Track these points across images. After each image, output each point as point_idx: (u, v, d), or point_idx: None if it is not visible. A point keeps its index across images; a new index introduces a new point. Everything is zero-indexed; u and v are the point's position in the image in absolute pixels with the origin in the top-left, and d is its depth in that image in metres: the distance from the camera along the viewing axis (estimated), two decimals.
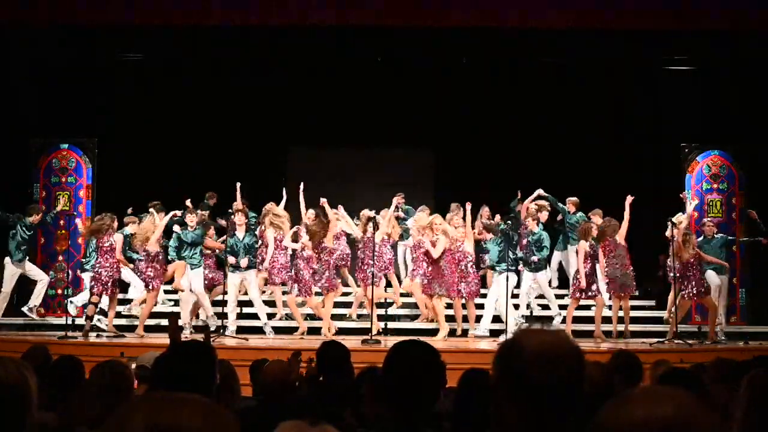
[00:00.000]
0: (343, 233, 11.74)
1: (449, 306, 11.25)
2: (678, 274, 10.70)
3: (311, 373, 4.69)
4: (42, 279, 11.59)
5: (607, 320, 11.43)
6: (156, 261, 10.89)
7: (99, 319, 10.95)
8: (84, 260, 11.51)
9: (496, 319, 11.31)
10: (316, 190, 12.99)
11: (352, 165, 14.36)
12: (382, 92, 13.61)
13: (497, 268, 11.13)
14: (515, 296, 11.24)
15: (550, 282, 12.10)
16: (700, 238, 11.38)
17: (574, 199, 12.22)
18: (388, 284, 11.83)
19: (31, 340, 9.67)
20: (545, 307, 11.92)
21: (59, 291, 12.09)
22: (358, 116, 13.83)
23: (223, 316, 10.81)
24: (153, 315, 11.76)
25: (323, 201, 11.41)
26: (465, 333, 11.18)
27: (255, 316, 11.43)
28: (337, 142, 14.21)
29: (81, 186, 12.75)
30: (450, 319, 11.20)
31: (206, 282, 11.40)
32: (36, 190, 12.71)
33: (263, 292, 11.94)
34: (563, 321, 10.97)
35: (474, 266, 11.17)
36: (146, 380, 4.09)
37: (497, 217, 12.22)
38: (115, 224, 10.94)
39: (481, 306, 11.36)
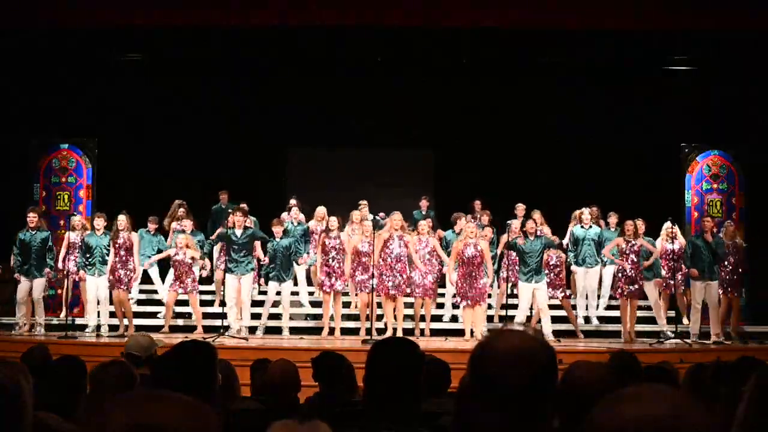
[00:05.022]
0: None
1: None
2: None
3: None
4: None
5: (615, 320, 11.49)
6: None
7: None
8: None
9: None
10: (316, 190, 13.01)
11: (352, 165, 14.36)
12: (382, 92, 13.61)
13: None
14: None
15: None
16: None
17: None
18: None
19: (31, 340, 9.67)
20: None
21: (59, 291, 12.07)
22: (358, 116, 13.83)
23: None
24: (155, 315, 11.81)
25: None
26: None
27: (258, 316, 11.42)
28: (337, 142, 14.21)
29: (81, 186, 12.75)
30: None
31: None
32: (36, 190, 12.70)
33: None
34: None
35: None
36: (138, 365, 4.08)
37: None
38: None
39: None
